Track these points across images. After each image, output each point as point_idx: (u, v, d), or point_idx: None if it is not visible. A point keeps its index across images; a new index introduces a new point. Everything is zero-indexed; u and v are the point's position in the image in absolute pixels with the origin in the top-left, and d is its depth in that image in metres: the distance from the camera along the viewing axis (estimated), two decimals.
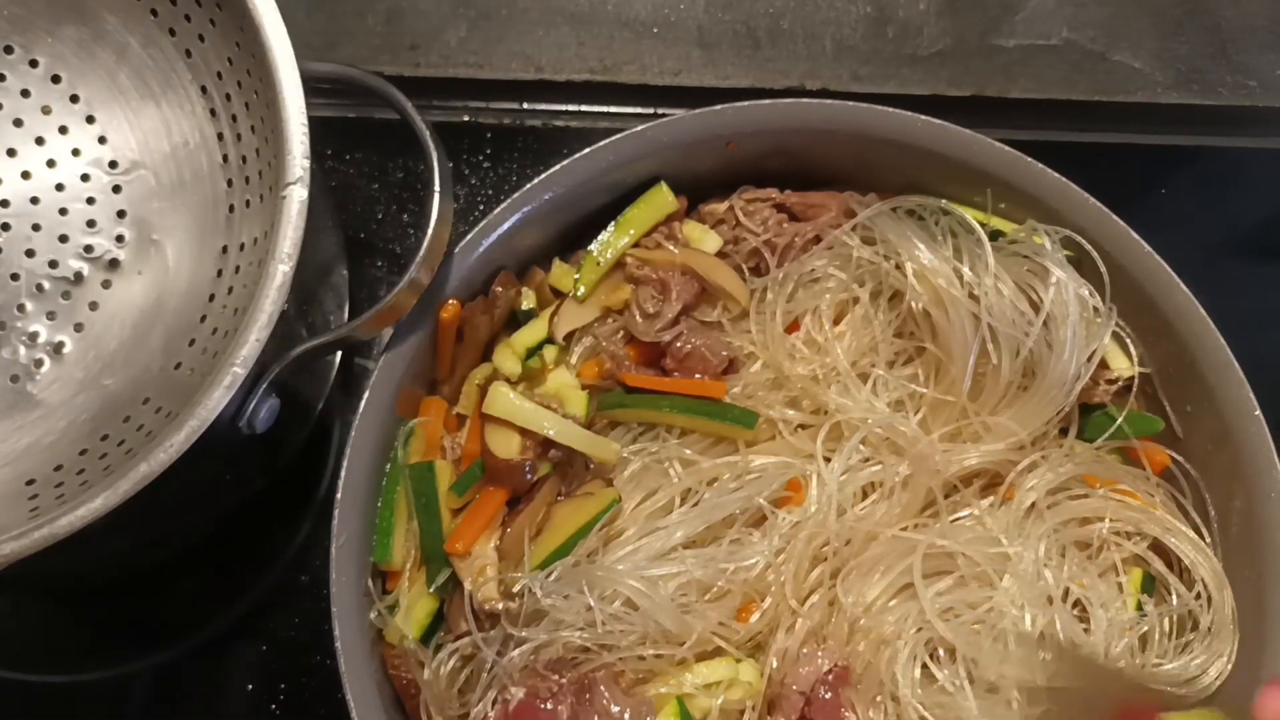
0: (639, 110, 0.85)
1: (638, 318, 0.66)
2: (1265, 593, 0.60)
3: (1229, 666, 0.61)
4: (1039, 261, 0.64)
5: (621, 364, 0.65)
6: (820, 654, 0.59)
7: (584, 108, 0.86)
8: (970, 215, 0.66)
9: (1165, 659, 0.61)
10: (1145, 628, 0.62)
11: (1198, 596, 0.62)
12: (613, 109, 0.86)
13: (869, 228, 0.67)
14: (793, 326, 0.67)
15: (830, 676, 0.58)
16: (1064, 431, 0.66)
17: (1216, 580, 0.62)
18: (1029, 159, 0.66)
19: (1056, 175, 0.66)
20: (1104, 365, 0.67)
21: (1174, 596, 0.63)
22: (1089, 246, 0.65)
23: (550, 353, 0.66)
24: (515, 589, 0.59)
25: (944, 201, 0.67)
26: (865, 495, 0.65)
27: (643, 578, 0.59)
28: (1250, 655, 0.60)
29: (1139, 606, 0.62)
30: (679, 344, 0.65)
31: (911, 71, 0.88)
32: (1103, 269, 0.64)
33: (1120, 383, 0.67)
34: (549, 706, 0.57)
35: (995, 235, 0.67)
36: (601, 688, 0.57)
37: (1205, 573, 0.62)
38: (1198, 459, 0.65)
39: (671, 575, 0.60)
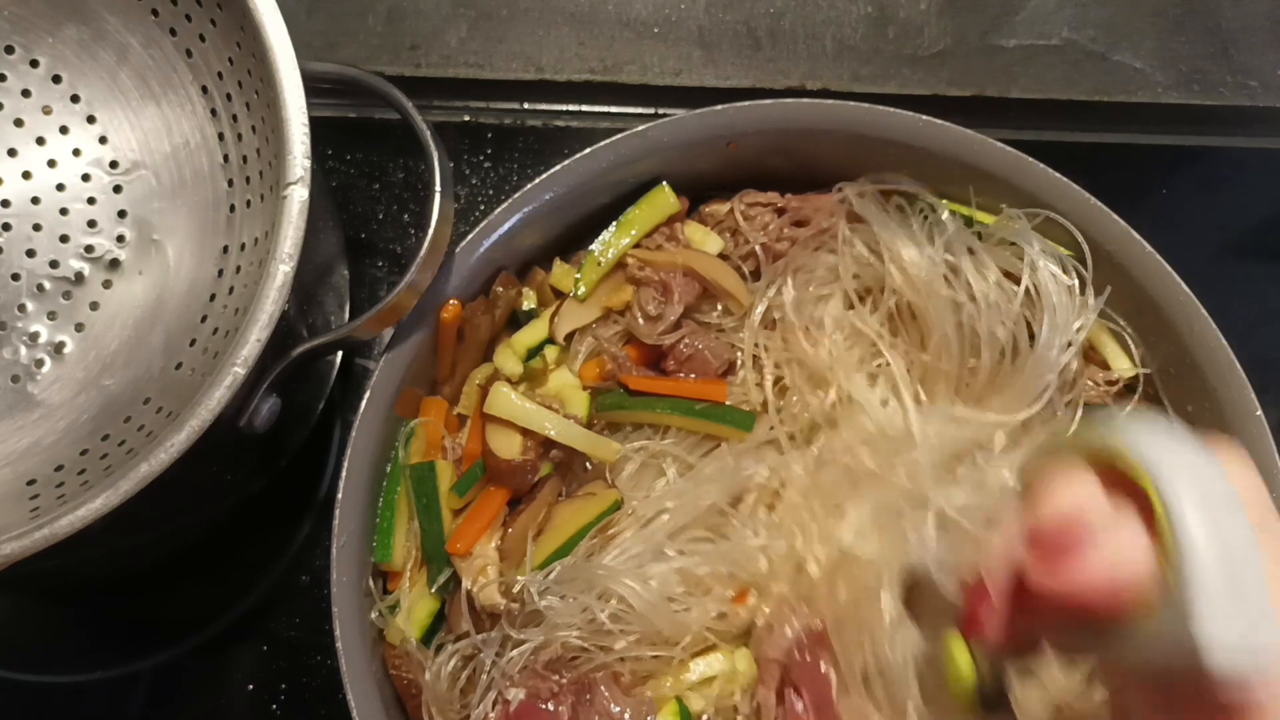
0: (640, 110, 0.86)
1: (640, 320, 0.66)
2: None
3: None
4: (1018, 245, 0.64)
5: (622, 365, 0.65)
6: (796, 621, 0.59)
7: (585, 108, 0.86)
8: (959, 210, 0.67)
9: None
10: None
11: None
12: (613, 109, 0.86)
13: (859, 218, 0.67)
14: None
15: (805, 639, 0.58)
16: None
17: None
18: (1029, 159, 0.66)
19: (1057, 175, 0.66)
20: (1105, 365, 0.67)
21: None
22: (1073, 227, 0.65)
23: (551, 353, 0.66)
24: (515, 589, 0.60)
25: (935, 199, 0.67)
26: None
27: (636, 576, 0.59)
28: None
29: None
30: (682, 346, 0.65)
31: (912, 72, 0.88)
32: (1086, 250, 0.65)
33: (1122, 383, 0.67)
34: (550, 707, 0.57)
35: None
36: (602, 688, 0.57)
37: None
38: None
39: (665, 572, 0.60)
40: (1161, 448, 0.33)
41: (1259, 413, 0.61)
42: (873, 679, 0.57)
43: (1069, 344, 0.63)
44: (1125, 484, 0.33)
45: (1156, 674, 0.33)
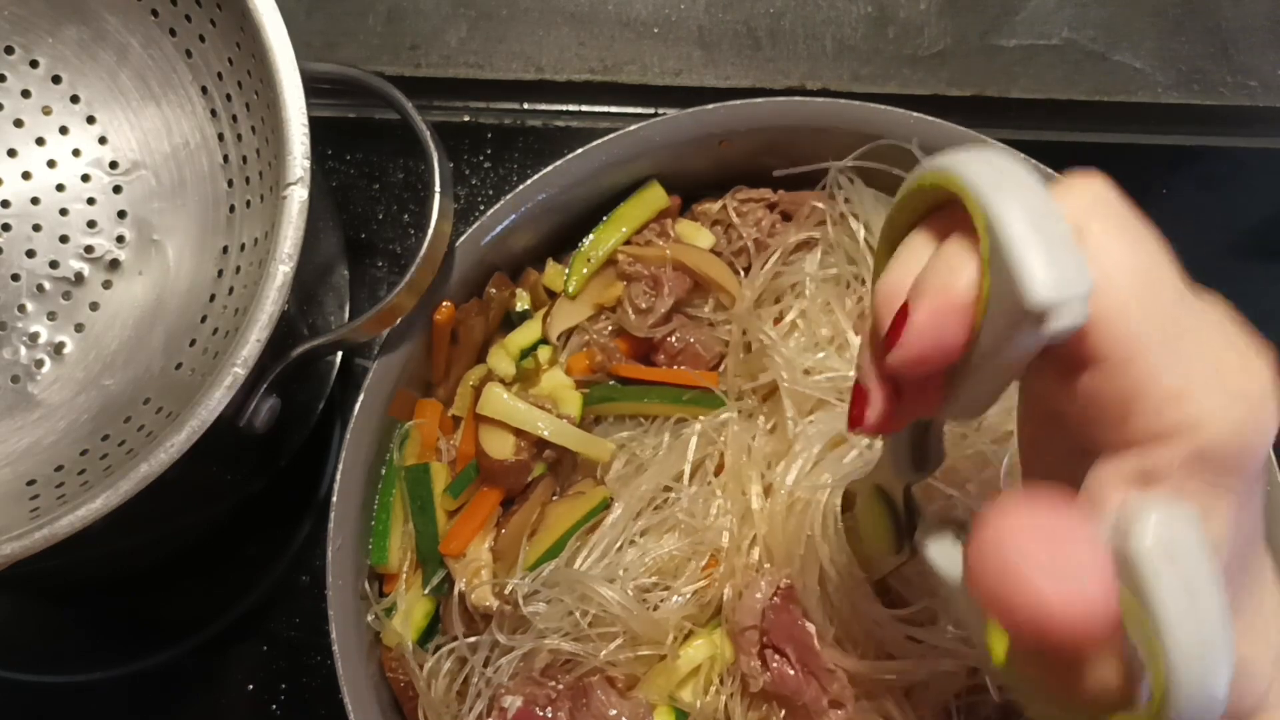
0: (640, 110, 0.85)
1: (630, 314, 0.66)
2: None
3: None
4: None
5: (612, 356, 0.66)
6: (763, 582, 0.59)
7: (585, 108, 0.86)
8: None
9: None
10: None
11: None
12: (613, 109, 0.86)
13: (848, 199, 0.67)
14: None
15: (775, 599, 0.58)
16: None
17: None
18: (1023, 156, 0.66)
19: (1051, 172, 0.66)
20: None
21: None
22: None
23: (544, 353, 0.66)
24: (506, 591, 0.60)
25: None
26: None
27: (608, 576, 0.59)
28: None
29: None
30: (673, 340, 0.65)
31: (912, 71, 0.88)
32: None
33: None
34: (548, 713, 0.57)
35: None
36: (598, 692, 0.57)
37: None
38: None
39: (632, 563, 0.60)
40: (962, 158, 0.34)
41: None
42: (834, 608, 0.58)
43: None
44: (957, 220, 0.34)
45: (1017, 373, 0.35)
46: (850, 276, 0.67)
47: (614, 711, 0.57)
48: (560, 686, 0.58)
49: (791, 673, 0.57)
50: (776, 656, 0.58)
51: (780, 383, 0.63)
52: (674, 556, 0.60)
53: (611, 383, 0.65)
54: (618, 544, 0.61)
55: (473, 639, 0.60)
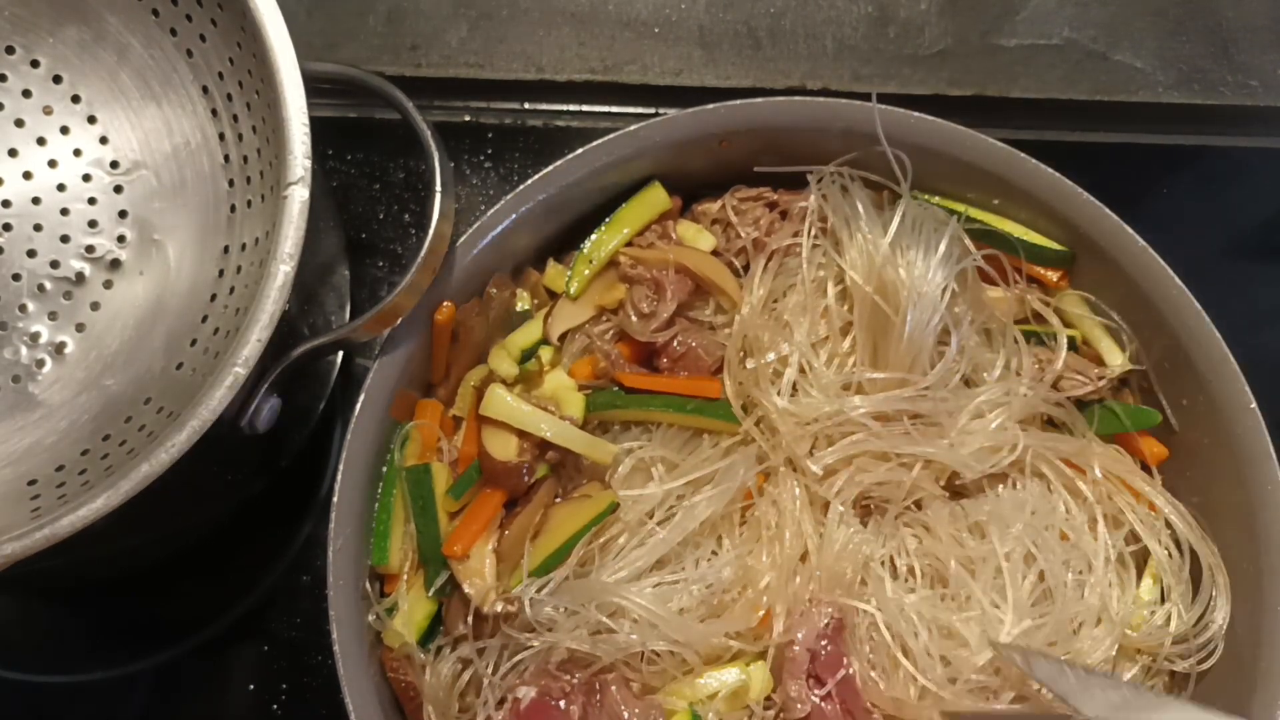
0: (640, 110, 0.86)
1: (633, 317, 0.66)
2: (1262, 584, 0.60)
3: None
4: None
5: (615, 362, 0.65)
6: (816, 611, 0.59)
7: (585, 108, 0.86)
8: (952, 207, 0.68)
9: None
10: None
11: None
12: (614, 109, 0.87)
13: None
14: None
15: (829, 629, 0.59)
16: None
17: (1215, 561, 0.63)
18: (1023, 155, 0.66)
19: (1049, 170, 0.66)
20: (1100, 360, 0.67)
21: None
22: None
23: (546, 354, 0.66)
24: (513, 594, 0.60)
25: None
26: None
27: (648, 594, 0.59)
28: (1248, 649, 0.60)
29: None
30: (675, 344, 0.65)
31: (913, 71, 0.88)
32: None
33: (1115, 377, 0.67)
34: (561, 705, 0.57)
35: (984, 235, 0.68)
36: (613, 689, 0.57)
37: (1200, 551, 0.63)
38: (1194, 452, 0.65)
39: (675, 589, 0.60)
40: None
41: (1254, 405, 0.61)
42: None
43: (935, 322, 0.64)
44: None
45: None
46: (834, 276, 0.67)
47: (626, 710, 0.57)
48: (575, 681, 0.58)
49: (829, 708, 0.58)
50: (817, 689, 0.58)
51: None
52: (721, 590, 0.61)
53: (615, 389, 0.65)
54: (651, 568, 0.61)
55: (481, 643, 0.60)
